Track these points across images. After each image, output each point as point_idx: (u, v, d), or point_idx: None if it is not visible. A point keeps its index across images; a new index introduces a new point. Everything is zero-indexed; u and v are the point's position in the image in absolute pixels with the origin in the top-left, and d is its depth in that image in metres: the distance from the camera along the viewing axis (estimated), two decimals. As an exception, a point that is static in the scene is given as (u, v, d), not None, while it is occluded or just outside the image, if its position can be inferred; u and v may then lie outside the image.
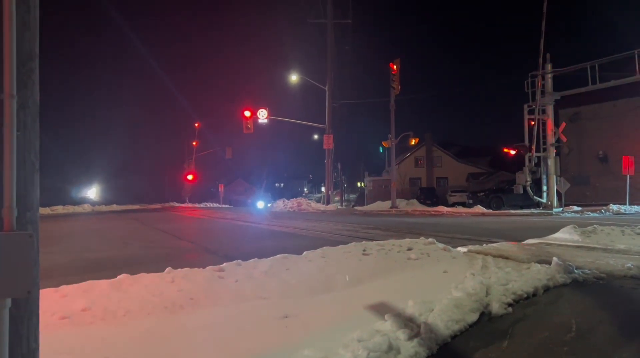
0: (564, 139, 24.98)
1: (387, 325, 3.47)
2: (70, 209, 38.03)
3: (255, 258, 5.82)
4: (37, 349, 1.80)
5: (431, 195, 41.67)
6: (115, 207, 44.48)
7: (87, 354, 2.95)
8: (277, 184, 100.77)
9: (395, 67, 30.22)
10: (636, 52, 20.69)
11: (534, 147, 24.12)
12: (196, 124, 58.70)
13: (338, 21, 35.19)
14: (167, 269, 5.00)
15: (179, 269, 5.05)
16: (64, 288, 4.25)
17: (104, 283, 4.43)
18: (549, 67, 24.66)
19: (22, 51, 1.74)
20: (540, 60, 23.93)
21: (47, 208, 33.74)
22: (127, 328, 3.48)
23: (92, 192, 59.86)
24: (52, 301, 3.81)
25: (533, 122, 24.29)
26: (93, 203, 48.17)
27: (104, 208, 43.02)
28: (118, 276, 4.65)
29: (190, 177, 58.66)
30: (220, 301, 4.25)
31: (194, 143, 59.13)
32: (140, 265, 6.68)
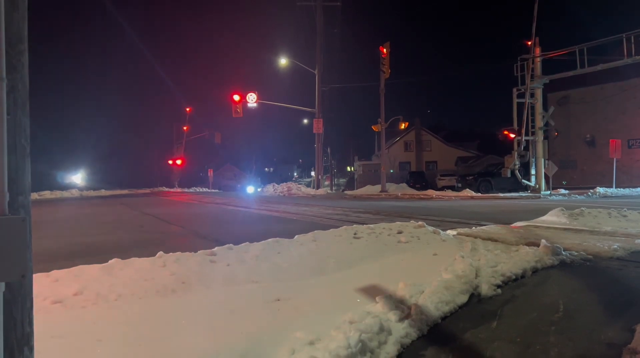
0: (552, 123, 25.15)
1: (378, 307, 3.51)
2: (58, 194, 37.77)
3: (247, 242, 5.83)
4: (31, 333, 1.80)
5: (420, 179, 41.87)
6: (103, 192, 44.26)
7: (79, 338, 2.96)
8: (266, 168, 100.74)
9: (385, 50, 30.11)
10: (624, 35, 20.77)
11: (523, 131, 24.24)
12: (187, 109, 57.58)
13: (327, 3, 34.90)
14: (158, 253, 5.00)
15: (171, 253, 5.05)
16: (56, 273, 4.24)
17: (95, 268, 4.42)
18: (538, 50, 24.71)
19: (11, 33, 1.71)
20: (532, 43, 23.90)
21: (35, 193, 33.46)
22: (119, 312, 3.48)
23: (79, 177, 59.31)
24: (43, 286, 3.80)
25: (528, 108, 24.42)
26: (81, 188, 47.83)
27: (92, 193, 42.77)
28: (109, 261, 4.64)
29: (179, 162, 58.40)
30: (212, 285, 4.26)
31: (185, 128, 58.37)
32: (131, 249, 6.68)
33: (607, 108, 32.54)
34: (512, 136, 24.89)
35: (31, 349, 1.79)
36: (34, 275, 1.97)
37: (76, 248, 7.38)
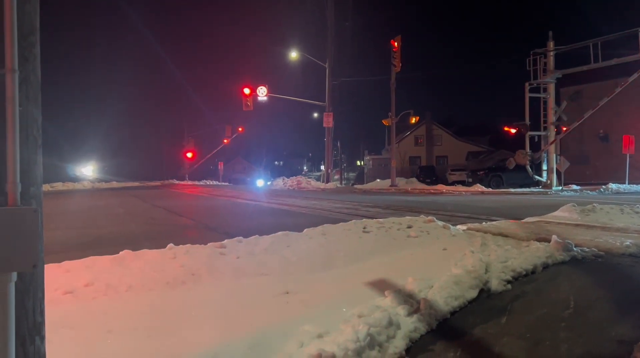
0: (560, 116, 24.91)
1: (387, 301, 3.51)
2: (70, 186, 38.13)
3: (256, 235, 5.85)
4: (42, 323, 1.82)
5: (431, 174, 41.66)
6: (114, 184, 44.61)
7: (90, 328, 2.98)
8: (276, 162, 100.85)
9: (396, 44, 29.89)
10: (639, 30, 20.46)
11: (553, 144, 23.92)
12: (240, 129, 59.60)
13: (339, -4, 34.72)
14: (168, 245, 5.03)
15: (181, 245, 5.08)
16: (67, 264, 4.28)
17: (106, 259, 4.46)
18: (551, 44, 24.44)
19: (22, 25, 1.72)
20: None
21: (47, 184, 33.80)
22: (130, 303, 3.51)
23: (91, 169, 59.81)
24: (55, 277, 3.84)
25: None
26: (92, 180, 48.25)
27: (103, 184, 43.15)
28: (120, 253, 4.68)
29: (189, 155, 59.05)
30: (222, 277, 4.28)
31: (225, 141, 60.20)
32: (141, 241, 6.72)
33: (620, 103, 32.13)
34: (524, 131, 24.67)
35: (42, 339, 1.81)
36: (46, 266, 1.99)
37: (87, 240, 7.44)
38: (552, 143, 24.27)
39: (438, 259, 5.10)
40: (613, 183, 23.84)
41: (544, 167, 25.00)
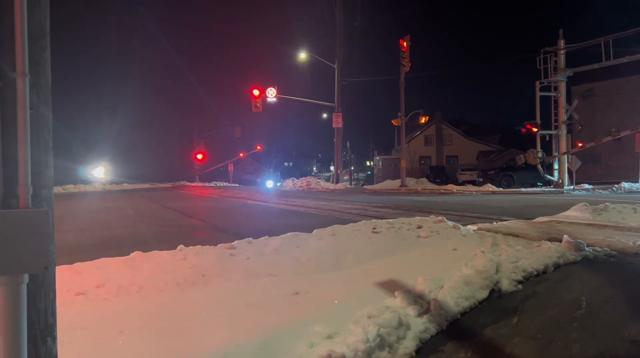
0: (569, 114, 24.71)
1: (397, 301, 3.50)
2: (81, 188, 38.47)
3: (266, 236, 5.85)
4: (54, 324, 1.83)
5: (441, 174, 41.45)
6: (126, 186, 44.95)
7: (102, 329, 3.00)
8: (286, 163, 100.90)
9: (405, 44, 29.82)
10: (652, 27, 20.26)
11: (562, 148, 23.70)
12: (258, 147, 69.48)
13: (347, -4, 34.69)
14: (179, 246, 5.05)
15: (191, 246, 5.10)
16: (78, 265, 4.31)
17: (117, 261, 4.49)
18: (561, 43, 24.26)
19: (33, 29, 1.73)
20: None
21: (59, 186, 34.14)
22: (141, 304, 3.53)
23: (102, 171, 60.32)
24: (66, 278, 3.87)
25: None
26: (104, 182, 48.67)
27: (115, 186, 43.50)
28: (131, 254, 4.70)
29: (200, 156, 59.83)
30: (232, 278, 4.29)
31: (241, 154, 66.33)
32: (152, 242, 6.76)
33: (633, 101, 31.82)
34: (535, 130, 24.49)
35: (54, 340, 1.82)
36: (57, 267, 2.00)
37: (99, 241, 7.49)
38: (565, 153, 24.08)
39: (448, 259, 5.07)
40: (626, 181, 23.61)
41: (556, 166, 24.81)
